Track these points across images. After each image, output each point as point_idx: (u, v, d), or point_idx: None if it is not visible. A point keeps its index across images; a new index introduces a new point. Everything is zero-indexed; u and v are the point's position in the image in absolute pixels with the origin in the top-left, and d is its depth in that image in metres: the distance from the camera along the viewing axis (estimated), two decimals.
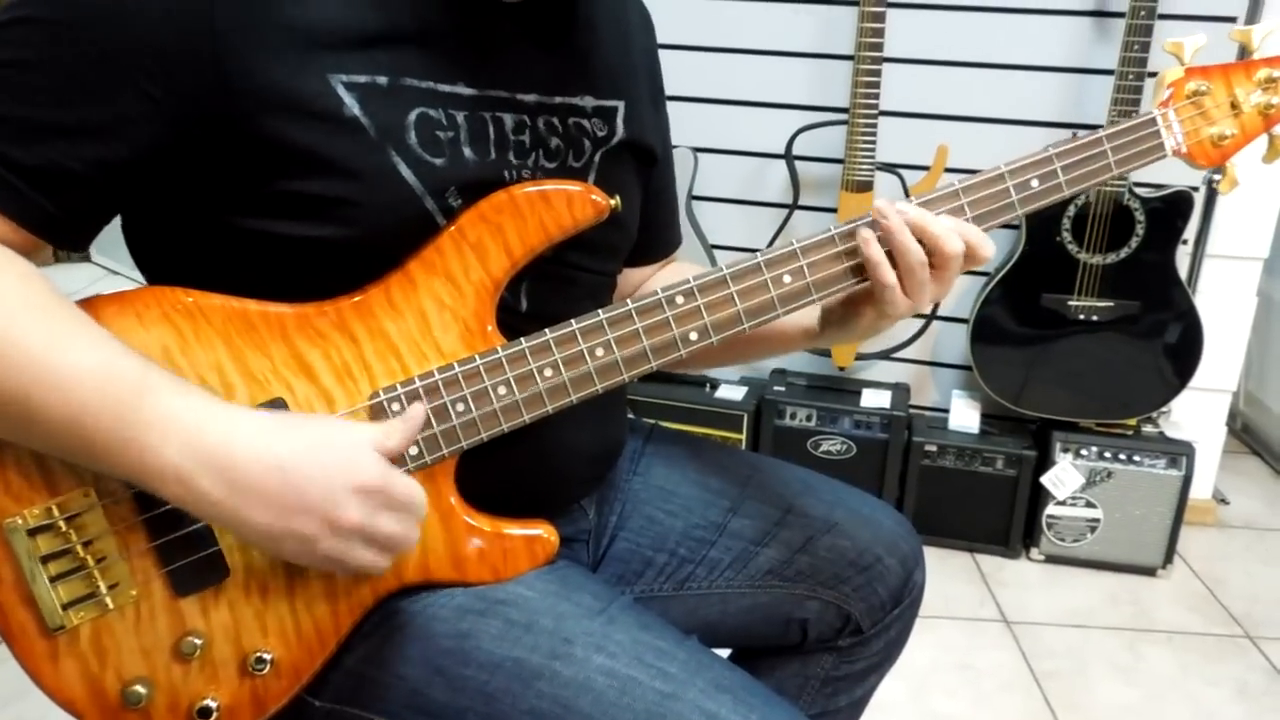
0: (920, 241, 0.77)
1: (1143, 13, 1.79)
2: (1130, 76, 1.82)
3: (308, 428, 0.67)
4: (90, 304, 0.69)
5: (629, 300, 0.76)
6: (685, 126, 2.15)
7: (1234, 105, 0.83)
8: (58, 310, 0.64)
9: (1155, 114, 0.82)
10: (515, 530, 0.78)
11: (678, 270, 1.05)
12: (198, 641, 0.70)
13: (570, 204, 0.76)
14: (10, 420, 0.63)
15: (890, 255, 0.77)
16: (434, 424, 0.74)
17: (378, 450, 0.67)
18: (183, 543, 0.69)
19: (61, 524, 0.67)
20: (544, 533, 0.79)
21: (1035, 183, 0.80)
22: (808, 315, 0.89)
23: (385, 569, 0.69)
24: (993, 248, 0.79)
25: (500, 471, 0.79)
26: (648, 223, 0.93)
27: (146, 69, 0.64)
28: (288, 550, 0.66)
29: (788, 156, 2.10)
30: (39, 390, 0.61)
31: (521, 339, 0.75)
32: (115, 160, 0.66)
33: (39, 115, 0.64)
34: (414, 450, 0.73)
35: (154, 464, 0.62)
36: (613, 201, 0.77)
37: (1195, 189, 1.93)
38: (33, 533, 0.67)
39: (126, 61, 0.64)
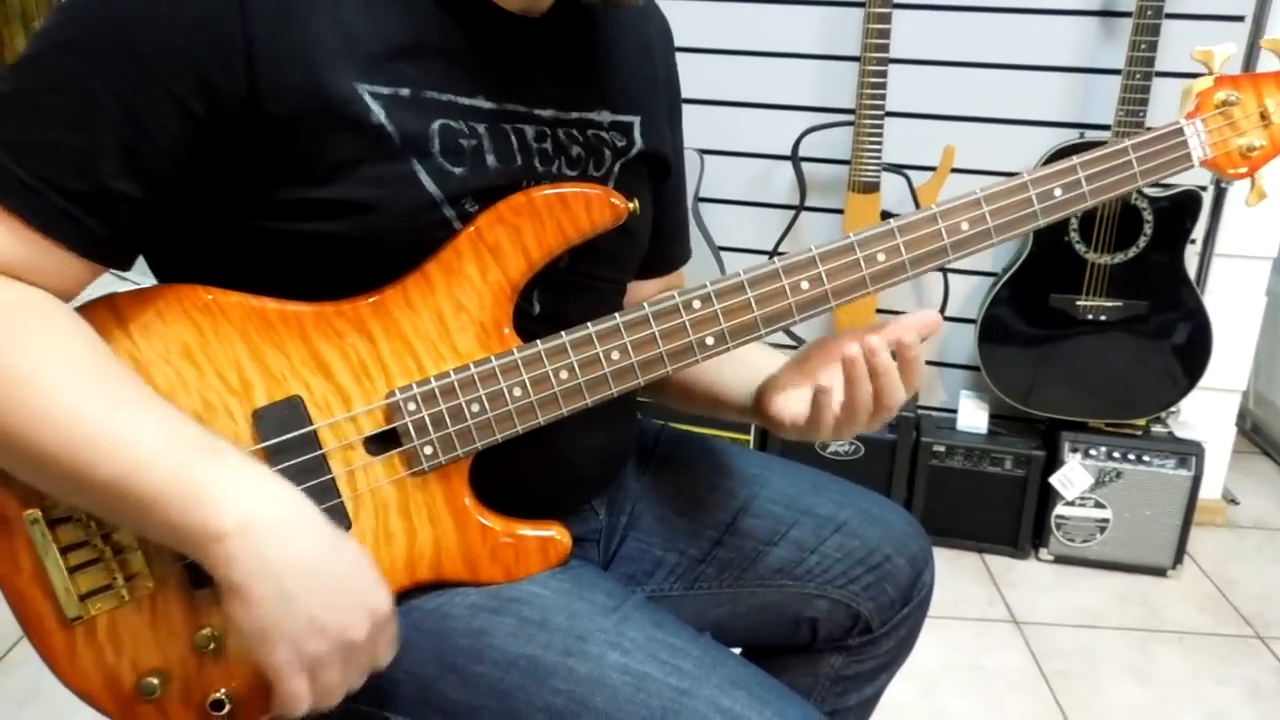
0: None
1: (1150, 12, 1.79)
2: (1138, 76, 1.82)
3: (351, 542, 0.69)
4: (109, 302, 0.69)
5: (645, 304, 0.76)
6: (691, 128, 2.13)
7: (1264, 116, 0.82)
8: (118, 377, 0.65)
9: (1182, 124, 0.82)
10: (528, 531, 0.79)
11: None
12: (213, 634, 0.71)
13: (588, 207, 0.76)
14: (62, 482, 0.63)
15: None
16: (449, 424, 0.74)
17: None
18: None
19: (82, 516, 0.68)
20: (557, 534, 0.80)
21: (1058, 192, 0.80)
22: (745, 390, 0.89)
23: (333, 703, 0.68)
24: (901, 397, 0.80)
25: (513, 472, 0.79)
26: (656, 235, 0.93)
27: (183, 80, 0.65)
28: (287, 636, 0.64)
29: (794, 158, 2.10)
30: (95, 450, 0.61)
31: (538, 341, 0.75)
32: (162, 177, 0.67)
33: (85, 140, 0.64)
34: (429, 450, 0.74)
35: (213, 511, 0.62)
36: (631, 205, 0.78)
37: (1203, 188, 1.93)
38: (53, 524, 0.68)
39: (163, 75, 0.64)
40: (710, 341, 0.78)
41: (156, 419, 0.64)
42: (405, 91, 0.71)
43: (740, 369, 0.90)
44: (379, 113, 0.70)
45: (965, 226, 0.79)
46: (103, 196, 0.65)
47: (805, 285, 0.78)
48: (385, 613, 0.67)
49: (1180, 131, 0.82)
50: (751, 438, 2.15)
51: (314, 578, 0.64)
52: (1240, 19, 1.93)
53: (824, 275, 0.78)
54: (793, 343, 2.22)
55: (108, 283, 0.72)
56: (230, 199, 0.70)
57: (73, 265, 0.67)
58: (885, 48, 1.94)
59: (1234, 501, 2.37)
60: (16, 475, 0.66)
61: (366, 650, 0.67)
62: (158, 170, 0.66)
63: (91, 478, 0.62)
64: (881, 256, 0.78)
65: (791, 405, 0.83)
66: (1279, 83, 0.82)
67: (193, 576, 0.71)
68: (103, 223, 0.66)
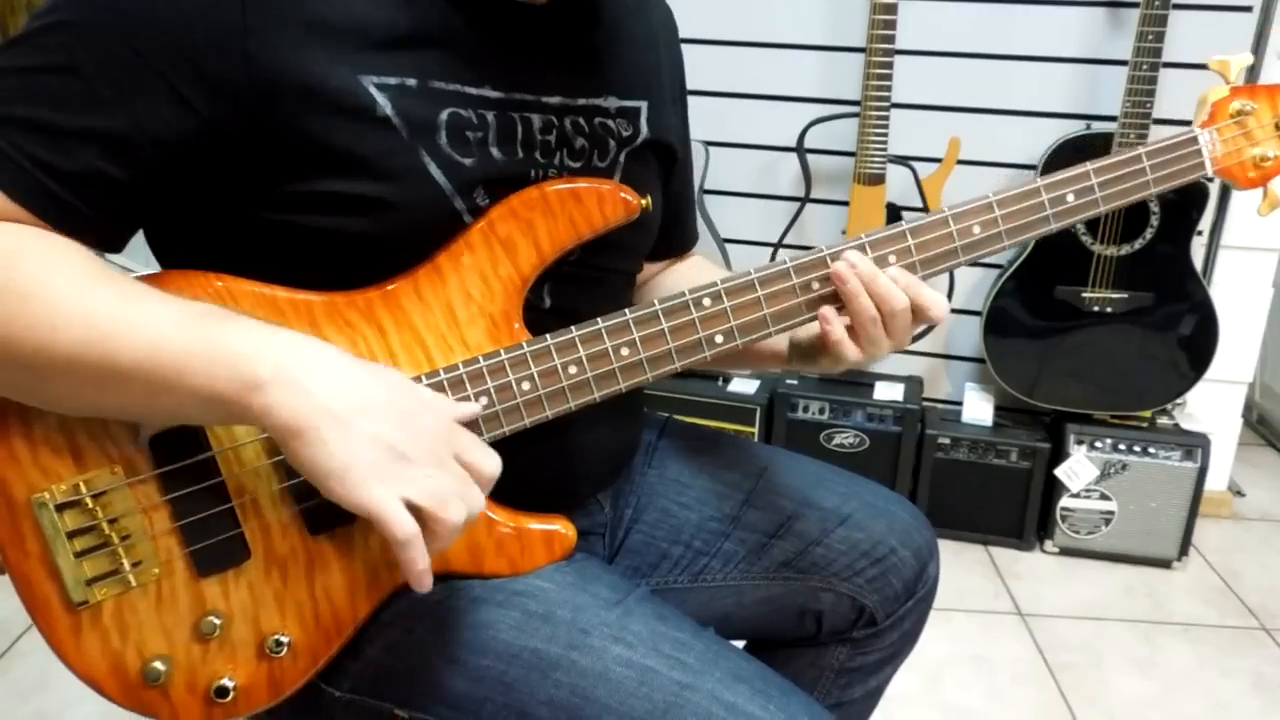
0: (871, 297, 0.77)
1: (1157, 2, 1.78)
2: (1144, 67, 1.81)
3: (385, 368, 0.67)
4: None
5: (655, 300, 0.77)
6: (696, 120, 2.13)
7: (1279, 127, 0.83)
8: (121, 277, 0.65)
9: (1197, 133, 0.82)
10: (534, 525, 0.79)
11: (695, 265, 1.06)
12: (217, 621, 0.71)
13: (601, 203, 0.76)
14: (89, 380, 0.62)
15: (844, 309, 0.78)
16: None
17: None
18: (206, 524, 0.70)
19: (88, 500, 0.68)
20: (562, 528, 0.80)
21: (1071, 197, 0.80)
22: (778, 340, 0.89)
23: (459, 522, 0.63)
24: (943, 308, 0.79)
25: (520, 465, 0.79)
26: (666, 219, 0.94)
27: (180, 70, 0.65)
28: (372, 463, 0.60)
29: (799, 150, 2.10)
30: (117, 335, 0.61)
31: (547, 335, 0.75)
32: (151, 162, 0.67)
33: (75, 121, 0.64)
34: None
35: (246, 365, 0.60)
36: (644, 201, 0.78)
37: (1210, 179, 1.92)
38: (60, 508, 0.68)
39: (160, 63, 0.65)
40: (719, 339, 0.78)
41: (167, 302, 0.64)
42: (412, 82, 0.71)
43: None
44: (385, 105, 0.70)
45: (977, 230, 0.79)
46: (92, 178, 0.66)
47: (815, 285, 0.78)
48: (447, 417, 0.65)
49: (1195, 140, 0.82)
50: (756, 430, 2.16)
51: (362, 399, 0.62)
52: (1248, 9, 1.92)
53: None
54: None
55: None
56: (236, 190, 0.70)
57: None
58: (891, 39, 1.93)
59: (1240, 494, 2.37)
60: (47, 397, 0.65)
61: (449, 463, 0.64)
62: (146, 156, 0.66)
63: (116, 365, 0.61)
64: (893, 258, 0.79)
65: (813, 336, 0.83)
66: None
67: (198, 563, 0.71)
68: (90, 204, 0.66)
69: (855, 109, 2.04)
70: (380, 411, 0.62)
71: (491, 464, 0.66)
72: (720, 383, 2.21)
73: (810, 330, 0.83)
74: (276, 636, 0.73)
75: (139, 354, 0.61)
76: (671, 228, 0.97)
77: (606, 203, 0.76)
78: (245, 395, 0.61)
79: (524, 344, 0.75)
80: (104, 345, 0.61)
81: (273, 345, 0.62)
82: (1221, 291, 2.08)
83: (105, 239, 0.69)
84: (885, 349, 0.80)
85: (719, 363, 0.95)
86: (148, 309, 0.63)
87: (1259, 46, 1.94)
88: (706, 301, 0.77)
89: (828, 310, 0.78)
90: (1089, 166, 0.80)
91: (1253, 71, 1.92)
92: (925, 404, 2.20)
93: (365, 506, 0.61)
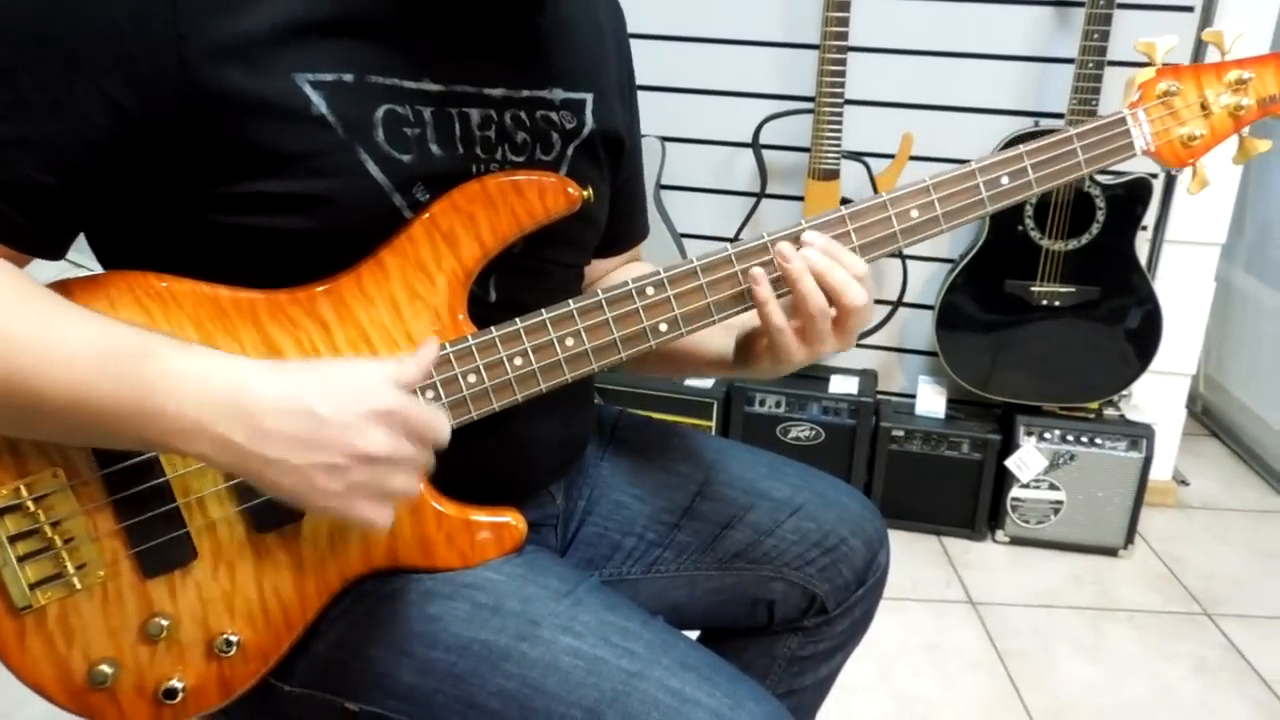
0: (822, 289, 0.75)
1: (1102, 2, 1.82)
2: (1090, 65, 1.85)
3: (318, 366, 0.67)
4: (60, 288, 0.69)
5: (599, 290, 0.77)
6: (653, 116, 2.14)
7: (1204, 106, 0.84)
8: (43, 298, 0.64)
9: (1125, 114, 0.83)
10: (483, 517, 0.79)
11: (642, 269, 1.06)
12: (165, 623, 0.71)
13: (543, 194, 0.76)
14: (20, 413, 0.63)
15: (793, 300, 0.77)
16: None
17: (393, 382, 0.66)
18: (151, 525, 0.70)
19: (30, 504, 0.68)
20: (512, 520, 0.80)
21: (1005, 180, 0.81)
22: (722, 343, 0.89)
23: (418, 494, 0.67)
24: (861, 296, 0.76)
25: (468, 459, 0.79)
26: (614, 213, 0.94)
27: (112, 76, 0.64)
28: (320, 489, 0.63)
29: (755, 145, 2.11)
30: (40, 375, 0.61)
31: (492, 328, 0.75)
32: (86, 169, 0.66)
33: (8, 130, 0.63)
34: None
35: (170, 423, 0.62)
36: (585, 192, 0.78)
37: (1154, 176, 1.97)
38: (1, 512, 0.67)
39: (92, 69, 0.64)
40: (664, 327, 0.78)
41: (89, 327, 0.63)
42: (348, 77, 0.70)
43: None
44: (319, 104, 0.69)
45: (915, 214, 0.80)
46: (25, 187, 0.65)
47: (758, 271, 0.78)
48: (391, 406, 0.64)
49: (1123, 121, 0.83)
50: (714, 424, 2.17)
51: (295, 426, 0.62)
52: (1189, 9, 1.97)
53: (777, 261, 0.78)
54: None
55: (61, 269, 0.71)
56: (175, 192, 0.69)
57: None
58: (844, 35, 1.95)
59: (1184, 483, 2.43)
60: None
61: (402, 452, 0.65)
62: (82, 163, 0.66)
63: (41, 406, 0.62)
64: None
65: (759, 334, 0.82)
66: (1219, 74, 0.84)
67: (144, 565, 0.70)
68: (24, 213, 0.66)
69: (810, 105, 2.06)
70: (309, 438, 0.63)
71: (439, 424, 0.67)
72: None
73: (750, 326, 0.83)
74: (226, 636, 0.72)
75: (65, 399, 0.62)
76: (621, 221, 0.97)
77: (548, 194, 0.76)
78: (175, 442, 0.63)
79: (469, 337, 0.75)
80: (28, 385, 0.61)
81: (194, 393, 0.62)
82: (1166, 285, 2.13)
83: (43, 247, 0.68)
84: (831, 348, 0.79)
85: (666, 367, 0.96)
86: (69, 343, 0.62)
87: (1200, 44, 1.98)
88: (650, 290, 0.77)
89: (764, 294, 0.76)
90: (1022, 149, 0.81)
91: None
92: (879, 397, 2.23)
93: (324, 513, 0.65)
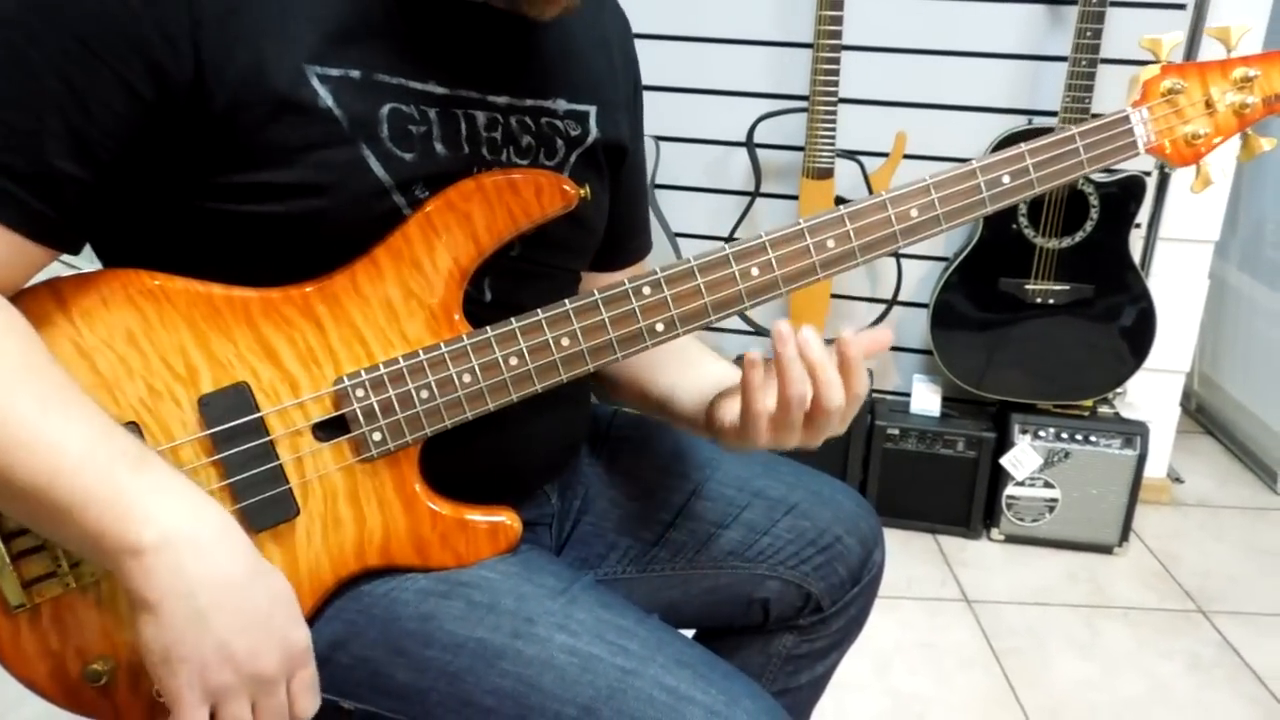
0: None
1: (1095, 0, 1.82)
2: (1083, 63, 1.85)
3: (278, 575, 0.67)
4: (52, 286, 0.69)
5: (595, 291, 0.76)
6: (647, 115, 2.14)
7: (1209, 104, 0.83)
8: (53, 376, 0.63)
9: (1129, 112, 0.82)
10: (478, 516, 0.79)
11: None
12: None
13: (539, 193, 0.76)
14: None
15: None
16: (398, 411, 0.74)
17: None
18: None
19: None
20: (507, 519, 0.80)
21: (1006, 179, 0.80)
22: (699, 398, 0.87)
23: None
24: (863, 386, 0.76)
25: (464, 458, 0.79)
26: (616, 224, 0.93)
27: (130, 64, 0.64)
28: (189, 657, 0.61)
29: (749, 144, 2.11)
30: (20, 451, 0.60)
31: (488, 327, 0.75)
32: (107, 158, 0.66)
33: (30, 120, 0.63)
34: (378, 436, 0.74)
35: (132, 526, 0.60)
36: (582, 191, 0.78)
37: (1148, 173, 1.97)
38: None
39: (110, 57, 0.64)
40: (660, 328, 0.78)
41: (86, 425, 0.62)
42: (355, 74, 0.71)
43: (699, 378, 0.89)
44: (326, 96, 0.69)
45: (915, 213, 0.80)
46: (49, 178, 0.65)
47: (755, 272, 0.78)
48: (302, 650, 0.65)
49: (1126, 119, 0.82)
50: None
51: (230, 600, 0.62)
52: (1183, 7, 1.97)
53: (774, 261, 0.78)
54: (750, 329, 2.24)
55: (52, 268, 0.71)
56: (177, 181, 0.69)
57: (23, 249, 0.66)
58: (838, 34, 1.95)
59: (1178, 480, 2.43)
60: None
61: (277, 690, 0.65)
62: (103, 151, 0.66)
63: (10, 480, 0.60)
64: (831, 243, 0.78)
65: (730, 407, 0.81)
66: (1224, 71, 0.83)
67: None
68: (50, 205, 0.65)
69: (804, 104, 2.06)
70: (242, 621, 0.62)
71: (307, 709, 0.67)
72: None
73: (722, 400, 0.82)
74: None
75: (35, 480, 0.60)
76: (622, 232, 0.97)
77: (544, 193, 0.76)
78: (123, 557, 0.61)
79: (464, 336, 0.75)
80: (6, 458, 0.60)
81: (170, 513, 0.61)
82: (1159, 283, 2.14)
83: (67, 240, 0.68)
84: (796, 435, 0.77)
85: (624, 397, 0.96)
86: (63, 428, 0.61)
87: (1193, 42, 1.99)
88: (646, 290, 0.77)
89: (755, 379, 0.76)
90: (1024, 148, 0.80)
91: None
92: (874, 395, 2.23)
93: (167, 692, 0.62)
